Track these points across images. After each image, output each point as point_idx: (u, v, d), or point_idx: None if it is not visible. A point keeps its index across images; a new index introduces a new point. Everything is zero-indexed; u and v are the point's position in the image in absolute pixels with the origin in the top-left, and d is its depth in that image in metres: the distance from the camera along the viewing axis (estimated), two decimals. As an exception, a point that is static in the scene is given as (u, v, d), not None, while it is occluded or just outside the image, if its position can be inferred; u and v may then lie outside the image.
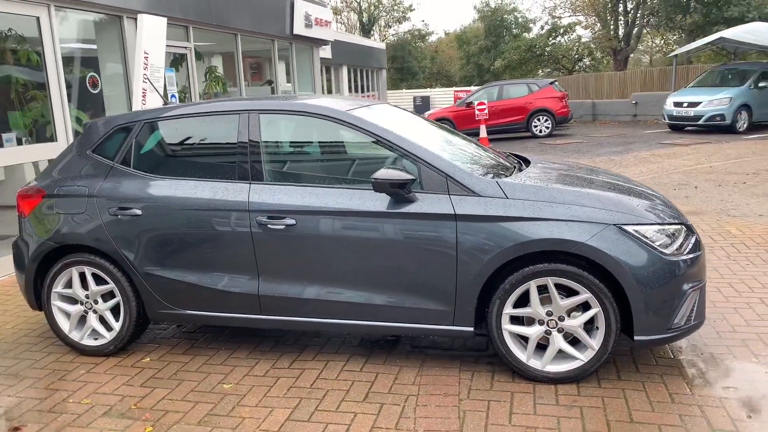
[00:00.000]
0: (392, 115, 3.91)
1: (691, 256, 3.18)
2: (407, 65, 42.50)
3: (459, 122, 17.60)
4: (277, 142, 3.76)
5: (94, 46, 7.65)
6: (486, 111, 16.50)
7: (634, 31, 27.13)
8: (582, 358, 3.18)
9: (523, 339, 3.27)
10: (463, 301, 3.24)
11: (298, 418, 3.04)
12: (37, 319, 4.58)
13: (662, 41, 29.49)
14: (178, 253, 3.61)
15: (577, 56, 34.08)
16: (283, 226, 3.39)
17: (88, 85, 7.09)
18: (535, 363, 3.24)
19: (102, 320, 3.85)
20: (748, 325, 3.83)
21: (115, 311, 3.82)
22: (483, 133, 16.12)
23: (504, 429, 2.84)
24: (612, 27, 27.67)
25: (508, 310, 3.21)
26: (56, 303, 3.88)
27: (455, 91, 32.08)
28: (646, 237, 3.08)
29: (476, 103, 16.93)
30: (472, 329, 3.29)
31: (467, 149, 3.92)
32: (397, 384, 3.32)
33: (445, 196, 3.23)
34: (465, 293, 3.22)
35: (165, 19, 7.39)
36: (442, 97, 33.22)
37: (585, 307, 3.17)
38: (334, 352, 3.77)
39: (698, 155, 11.94)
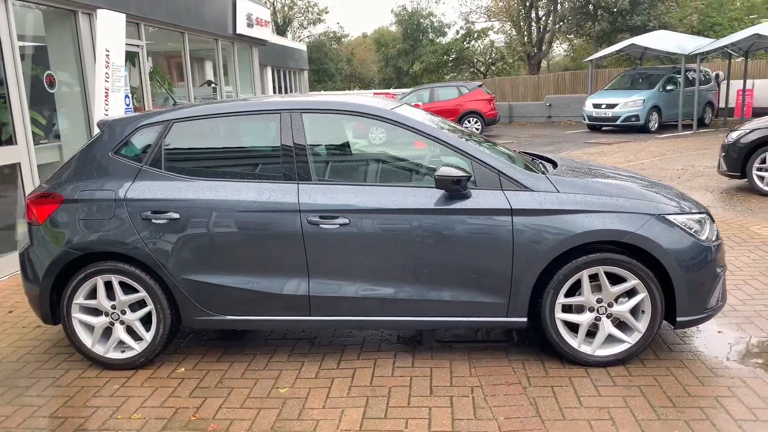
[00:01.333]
0: (422, 114, 3.98)
1: (718, 241, 3.47)
2: (324, 67, 42.37)
3: (392, 123, 17.80)
4: (322, 141, 3.72)
5: (43, 43, 7.13)
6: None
7: (545, 37, 28.60)
8: (629, 341, 3.39)
9: (573, 326, 3.44)
10: (518, 293, 3.36)
11: (374, 415, 3.04)
12: (36, 334, 4.25)
13: (570, 46, 31.30)
14: (220, 256, 3.49)
15: (490, 60, 35.44)
16: (336, 226, 3.36)
17: (45, 83, 6.61)
18: (585, 348, 3.42)
19: (129, 331, 3.65)
20: (744, 304, 4.22)
21: (144, 321, 3.63)
22: (418, 134, 16.45)
23: (579, 411, 2.99)
24: (526, 33, 29.03)
25: (561, 299, 3.37)
26: (77, 316, 3.63)
27: (374, 93, 32.39)
28: (685, 225, 3.34)
29: (413, 104, 17.22)
30: (525, 320, 3.42)
31: (498, 148, 4.06)
32: (455, 377, 3.39)
33: (500, 192, 3.34)
34: (520, 285, 3.35)
35: (124, 16, 7.02)
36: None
37: (630, 293, 3.38)
38: (376, 350, 3.78)
39: (626, 153, 12.81)
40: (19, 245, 4.07)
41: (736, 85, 19.08)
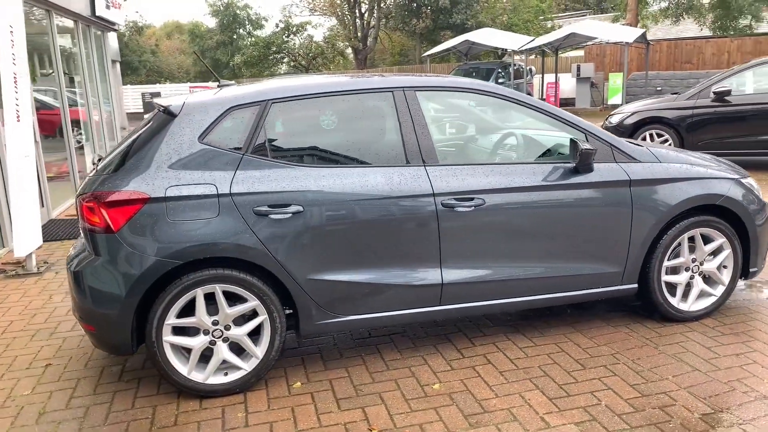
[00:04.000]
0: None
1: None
2: (126, 59, 38.76)
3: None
4: (440, 120, 3.49)
5: None
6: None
7: (372, 32, 29.48)
8: (716, 293, 3.77)
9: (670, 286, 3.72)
10: (633, 260, 3.54)
11: (557, 395, 2.99)
12: (56, 371, 3.39)
13: (390, 43, 32.67)
14: (349, 250, 3.13)
15: (311, 55, 35.51)
16: (471, 208, 3.22)
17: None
18: (682, 306, 3.72)
19: (233, 349, 3.11)
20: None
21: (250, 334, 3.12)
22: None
23: (720, 360, 3.26)
24: (351, 28, 29.60)
25: (666, 262, 3.62)
26: (169, 339, 2.99)
27: (191, 87, 30.58)
28: (753, 187, 3.79)
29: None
30: (636, 285, 3.61)
31: None
32: (588, 348, 3.46)
33: (615, 164, 3.47)
34: (635, 253, 3.53)
35: (20, -15, 5.78)
36: (177, 94, 31.15)
37: (714, 252, 3.75)
38: (481, 334, 3.69)
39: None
40: (70, 261, 3.19)
41: (547, 78, 21.62)
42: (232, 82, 3.68)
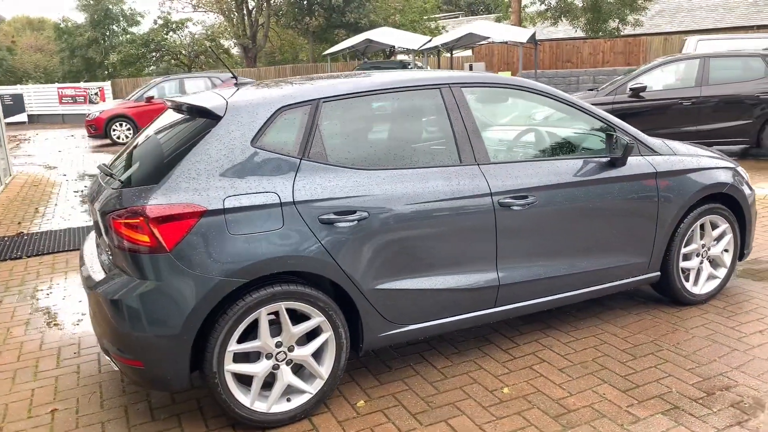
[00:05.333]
0: None
1: None
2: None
3: (142, 120, 15.94)
4: (486, 117, 3.38)
5: None
6: (181, 106, 15.49)
7: (261, 30, 28.62)
8: (721, 276, 4.02)
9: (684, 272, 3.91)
10: (658, 249, 3.68)
11: (627, 386, 3.02)
12: (66, 416, 2.92)
13: (279, 41, 31.88)
14: (413, 256, 2.96)
15: (193, 53, 33.87)
16: (526, 206, 3.18)
17: None
18: (694, 290, 3.93)
19: (296, 372, 2.84)
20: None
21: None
22: (180, 129, 15.10)
23: (749, 338, 3.47)
24: (240, 25, 28.53)
25: (683, 249, 3.81)
26: (231, 367, 2.67)
27: (59, 87, 28.05)
28: (744, 174, 4.08)
29: (146, 100, 15.67)
30: (659, 273, 3.76)
31: None
32: (627, 338, 3.54)
33: (642, 158, 3.59)
34: (660, 242, 3.67)
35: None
36: (43, 96, 28.21)
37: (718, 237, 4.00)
38: (519, 333, 3.67)
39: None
40: (102, 287, 2.69)
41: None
42: (251, 80, 3.37)
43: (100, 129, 15.70)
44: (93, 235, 3.50)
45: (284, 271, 2.68)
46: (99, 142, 16.28)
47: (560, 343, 3.51)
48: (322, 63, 25.33)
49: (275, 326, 2.75)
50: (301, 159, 2.79)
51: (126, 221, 2.55)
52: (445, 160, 3.09)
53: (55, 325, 4.12)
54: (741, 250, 4.08)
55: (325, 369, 2.86)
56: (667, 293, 3.90)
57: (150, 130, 3.27)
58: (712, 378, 3.07)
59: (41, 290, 4.80)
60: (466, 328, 3.45)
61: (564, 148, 3.60)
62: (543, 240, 3.30)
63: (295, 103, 2.86)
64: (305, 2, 25.36)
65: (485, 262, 3.16)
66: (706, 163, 3.83)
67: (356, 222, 2.79)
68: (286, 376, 2.79)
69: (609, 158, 3.45)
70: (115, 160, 3.33)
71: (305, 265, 2.71)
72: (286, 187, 2.71)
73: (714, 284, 4.00)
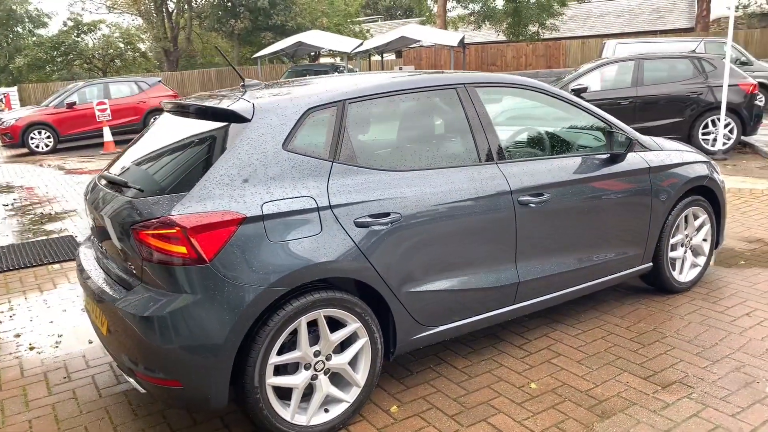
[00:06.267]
0: None
1: None
2: None
3: (63, 127, 15.05)
4: (498, 116, 3.39)
5: None
6: (108, 111, 14.78)
7: (186, 33, 27.61)
8: (701, 264, 4.25)
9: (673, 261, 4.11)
10: (651, 239, 3.85)
11: (646, 374, 3.13)
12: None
13: (201, 44, 30.80)
14: (441, 257, 2.94)
15: (107, 56, 32.28)
16: (542, 203, 3.24)
17: None
18: (680, 277, 4.13)
19: (332, 380, 2.75)
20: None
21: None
22: (107, 136, 14.42)
23: (739, 321, 3.70)
24: (160, 27, 27.39)
25: (671, 240, 4.00)
26: (272, 381, 2.55)
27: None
28: (716, 167, 4.34)
29: (96, 102, 14.84)
30: (651, 264, 3.93)
31: None
32: (629, 328, 3.68)
33: (635, 154, 3.74)
34: (653, 234, 3.84)
35: None
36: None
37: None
38: (526, 328, 3.73)
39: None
40: (126, 302, 2.47)
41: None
42: (257, 81, 3.25)
43: (16, 138, 14.62)
44: (88, 244, 3.28)
45: (325, 277, 2.60)
46: (15, 151, 15.19)
47: (569, 336, 3.60)
48: (250, 66, 24.82)
49: (311, 335, 2.66)
50: (333, 162, 2.71)
51: (156, 232, 2.38)
52: (466, 160, 3.10)
53: (31, 348, 3.79)
54: (717, 238, 4.34)
55: (360, 376, 2.79)
56: (656, 282, 4.09)
57: (153, 135, 3.08)
58: (720, 360, 3.24)
59: (0, 312, 4.42)
60: (489, 326, 3.46)
61: (569, 146, 3.70)
62: (555, 236, 3.36)
63: (322, 105, 2.77)
64: (229, 4, 24.73)
65: (506, 260, 3.19)
66: (688, 157, 4.04)
67: (390, 224, 2.74)
68: (325, 386, 2.70)
69: (609, 155, 3.57)
70: (111, 166, 3.12)
71: (345, 270, 2.64)
72: (321, 191, 2.62)
73: (696, 272, 4.23)
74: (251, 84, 3.18)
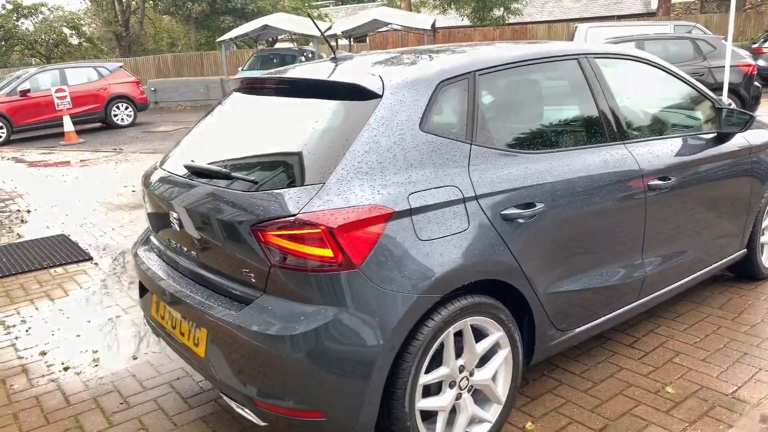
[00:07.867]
0: None
1: None
2: None
3: (18, 116, 13.97)
4: (618, 91, 3.02)
5: None
6: (68, 99, 13.77)
7: (133, 17, 26.19)
8: None
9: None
10: (749, 222, 3.59)
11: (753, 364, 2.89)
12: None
13: (154, 29, 29.25)
14: (584, 252, 2.59)
15: (52, 41, 30.48)
16: (669, 188, 2.93)
17: None
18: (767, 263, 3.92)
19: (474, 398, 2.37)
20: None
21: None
22: (68, 125, 13.45)
23: None
24: (110, 11, 25.89)
25: (765, 223, 3.77)
26: (420, 404, 2.15)
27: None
28: None
29: (54, 89, 13.79)
30: (746, 250, 3.68)
31: None
32: (730, 321, 3.43)
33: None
34: (751, 215, 3.58)
35: None
36: None
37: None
38: (629, 325, 3.43)
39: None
40: (243, 318, 1.99)
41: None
42: (348, 53, 2.81)
43: (-35, 128, 13.49)
44: (149, 246, 2.79)
45: (477, 280, 2.20)
46: (-36, 143, 14.00)
47: (678, 332, 3.32)
48: (210, 51, 23.80)
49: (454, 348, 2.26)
50: (471, 144, 2.30)
51: (290, 233, 1.93)
52: (595, 139, 2.74)
53: (66, 369, 3.25)
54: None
55: (501, 391, 2.42)
56: (745, 269, 3.85)
57: (234, 119, 2.61)
58: None
59: (7, 326, 3.83)
60: (617, 324, 3.14)
61: (683, 125, 3.39)
62: (675, 224, 3.06)
63: (453, 77, 2.35)
64: (186, -14, 23.61)
65: (635, 252, 2.87)
66: (770, 134, 3.81)
67: (535, 216, 2.37)
68: (470, 406, 2.31)
69: (717, 134, 3.29)
70: (169, 156, 2.64)
71: (495, 271, 2.25)
72: (463, 179, 2.22)
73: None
74: (342, 56, 2.73)
